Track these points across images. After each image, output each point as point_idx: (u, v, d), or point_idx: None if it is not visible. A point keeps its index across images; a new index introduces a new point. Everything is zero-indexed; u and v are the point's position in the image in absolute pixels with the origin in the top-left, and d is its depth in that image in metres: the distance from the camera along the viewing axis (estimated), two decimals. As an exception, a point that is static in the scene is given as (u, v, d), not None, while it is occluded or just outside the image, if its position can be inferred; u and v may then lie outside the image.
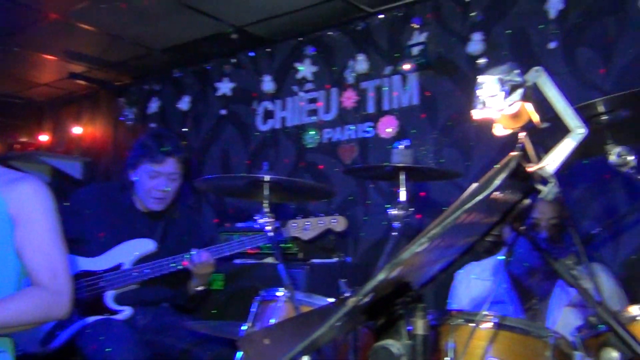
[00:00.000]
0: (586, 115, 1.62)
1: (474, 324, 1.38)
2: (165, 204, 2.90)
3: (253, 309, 2.10)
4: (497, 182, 0.72)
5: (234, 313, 3.34)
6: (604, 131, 1.58)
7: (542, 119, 1.09)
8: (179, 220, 3.02)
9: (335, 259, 3.72)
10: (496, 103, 0.93)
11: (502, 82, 0.92)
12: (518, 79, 0.94)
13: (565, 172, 3.10)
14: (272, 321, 2.00)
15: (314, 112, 4.54)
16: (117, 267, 2.77)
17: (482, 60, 3.72)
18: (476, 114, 0.97)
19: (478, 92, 0.94)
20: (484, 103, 0.93)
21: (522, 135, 0.97)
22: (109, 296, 2.72)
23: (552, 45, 3.51)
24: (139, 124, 5.64)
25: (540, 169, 0.93)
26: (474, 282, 2.65)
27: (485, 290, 2.60)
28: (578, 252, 1.48)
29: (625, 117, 1.60)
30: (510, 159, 0.74)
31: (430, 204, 3.82)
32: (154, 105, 5.55)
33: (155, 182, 2.83)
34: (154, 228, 2.93)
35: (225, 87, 4.97)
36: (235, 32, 4.49)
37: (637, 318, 1.52)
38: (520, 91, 0.93)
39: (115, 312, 2.71)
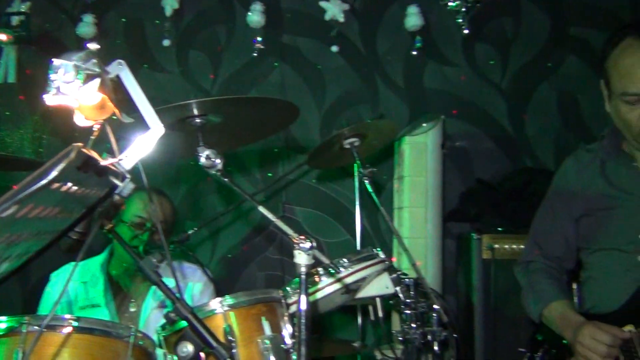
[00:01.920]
0: (182, 115, 1.77)
1: (46, 330, 1.34)
2: None
3: None
4: (55, 173, 0.73)
5: None
6: (197, 133, 1.75)
7: (129, 114, 1.15)
8: None
9: None
10: (72, 90, 0.93)
11: (78, 69, 0.93)
12: (96, 68, 0.96)
13: (173, 171, 3.27)
14: None
15: None
16: None
17: (93, 45, 3.65)
18: (49, 99, 0.96)
19: (52, 76, 0.93)
20: (58, 88, 0.93)
21: (96, 126, 1.00)
22: None
23: (165, 42, 3.69)
24: None
25: (114, 163, 0.97)
26: (72, 284, 2.58)
27: (82, 293, 2.56)
28: (164, 250, 1.59)
29: (216, 122, 1.80)
30: (69, 150, 0.76)
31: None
32: None
33: None
34: None
35: None
36: None
37: (215, 311, 1.72)
38: (97, 81, 0.96)
39: None
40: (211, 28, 3.80)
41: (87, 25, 3.63)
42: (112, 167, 0.95)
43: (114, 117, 1.07)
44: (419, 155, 3.30)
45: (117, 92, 1.06)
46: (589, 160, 2.12)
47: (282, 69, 3.77)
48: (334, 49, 3.74)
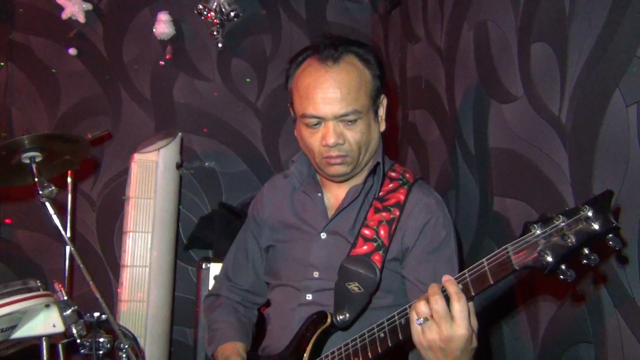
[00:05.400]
0: None
1: None
2: None
3: None
4: None
5: None
6: None
7: None
8: None
9: None
10: None
11: None
12: None
13: None
14: None
15: None
16: None
17: None
18: None
19: None
20: None
21: None
22: None
23: None
24: None
25: None
26: None
27: None
28: None
29: None
30: None
31: None
32: None
33: None
34: None
35: None
36: None
37: None
38: None
39: None
40: None
41: None
42: None
43: None
44: (147, 175, 3.17)
45: None
46: (283, 186, 2.06)
47: (9, 69, 3.48)
48: (72, 51, 3.52)
